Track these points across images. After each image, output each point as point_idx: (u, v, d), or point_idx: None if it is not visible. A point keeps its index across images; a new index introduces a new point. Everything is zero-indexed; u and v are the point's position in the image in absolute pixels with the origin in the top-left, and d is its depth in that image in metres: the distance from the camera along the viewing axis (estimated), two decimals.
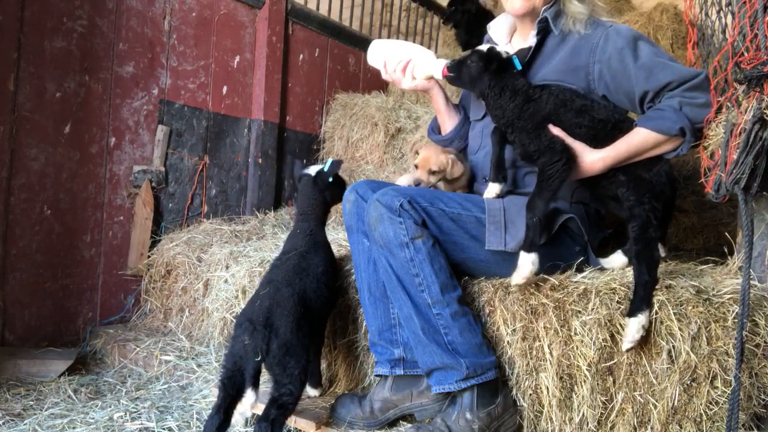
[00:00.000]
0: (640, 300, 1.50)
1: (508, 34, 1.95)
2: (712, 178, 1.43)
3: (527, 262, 1.55)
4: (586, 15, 1.73)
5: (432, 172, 1.90)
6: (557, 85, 1.71)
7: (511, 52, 1.86)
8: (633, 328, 1.49)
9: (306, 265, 1.79)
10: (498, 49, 1.71)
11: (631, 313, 1.50)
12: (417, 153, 1.98)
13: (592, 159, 1.62)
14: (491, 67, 1.67)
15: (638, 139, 1.59)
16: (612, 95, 1.71)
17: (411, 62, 1.91)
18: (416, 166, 1.94)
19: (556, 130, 1.64)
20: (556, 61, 1.75)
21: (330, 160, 2.02)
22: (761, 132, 1.30)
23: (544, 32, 1.78)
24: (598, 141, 1.63)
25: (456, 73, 1.74)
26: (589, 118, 1.63)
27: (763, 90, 1.33)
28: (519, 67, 1.69)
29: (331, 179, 2.00)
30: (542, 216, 1.57)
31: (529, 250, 1.56)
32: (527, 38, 1.83)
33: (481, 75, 1.68)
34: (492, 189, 1.73)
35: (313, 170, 2.02)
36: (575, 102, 1.65)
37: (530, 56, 1.79)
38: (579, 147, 1.63)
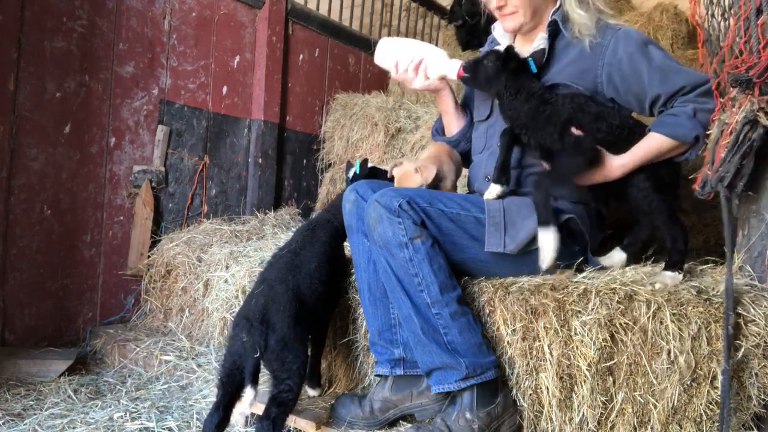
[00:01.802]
0: (675, 262, 1.59)
1: (511, 35, 1.95)
2: (699, 175, 1.45)
3: (548, 239, 1.57)
4: (590, 23, 1.73)
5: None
6: (569, 89, 1.72)
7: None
8: (672, 280, 1.57)
9: (299, 262, 1.79)
10: (514, 48, 1.72)
11: (672, 268, 1.58)
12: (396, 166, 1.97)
13: (613, 165, 1.64)
14: (509, 67, 1.68)
15: (655, 145, 1.62)
16: (620, 97, 1.72)
17: (423, 61, 1.88)
18: None
19: (579, 132, 1.64)
20: (564, 63, 1.76)
21: (357, 162, 2.08)
22: (750, 133, 1.32)
23: (554, 34, 1.78)
24: (617, 147, 1.64)
25: (472, 74, 1.74)
26: (607, 124, 1.64)
27: (753, 93, 1.34)
28: (534, 70, 1.71)
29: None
30: (551, 193, 1.59)
31: (546, 224, 1.58)
32: (532, 40, 1.84)
33: (499, 75, 1.69)
34: (493, 190, 1.73)
35: (351, 173, 2.08)
36: (591, 107, 1.65)
37: (549, 56, 1.80)
38: (602, 153, 1.65)
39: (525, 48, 1.86)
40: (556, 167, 1.62)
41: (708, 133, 1.57)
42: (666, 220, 1.61)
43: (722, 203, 1.38)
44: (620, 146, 1.64)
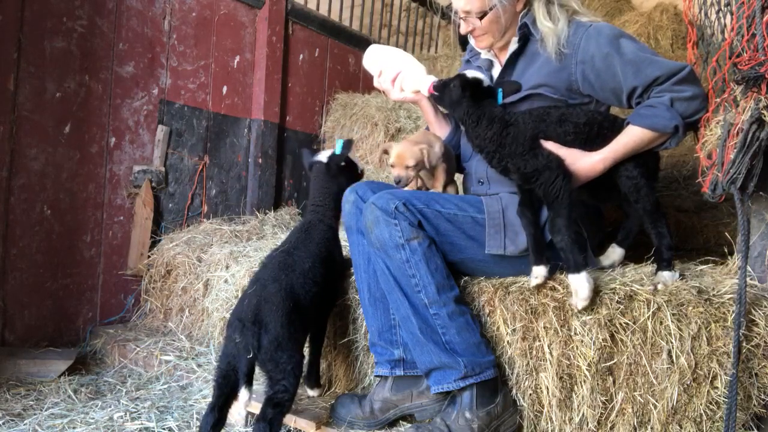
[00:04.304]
0: (668, 260, 1.62)
1: None
2: (708, 177, 1.44)
3: (582, 282, 1.53)
4: (555, 36, 1.71)
5: (408, 167, 1.84)
6: (542, 97, 1.74)
7: (494, 59, 1.90)
8: (671, 278, 1.59)
9: (292, 262, 1.77)
10: (480, 76, 1.69)
11: (668, 268, 1.62)
12: (386, 153, 1.91)
13: (593, 161, 1.64)
14: (468, 94, 1.66)
15: (635, 138, 1.62)
16: (597, 93, 1.72)
17: (400, 74, 1.89)
18: (393, 166, 1.87)
19: (548, 144, 1.64)
20: (539, 64, 1.76)
21: (340, 141, 1.97)
22: (758, 132, 1.31)
23: (525, 37, 1.79)
24: (591, 143, 1.65)
25: (440, 94, 1.73)
26: (572, 124, 1.65)
27: (760, 90, 1.33)
28: (500, 101, 1.68)
29: (342, 163, 1.97)
30: (571, 233, 1.57)
31: (577, 270, 1.54)
32: (508, 46, 1.84)
33: (461, 100, 1.67)
34: (538, 272, 1.63)
35: (324, 156, 1.99)
36: (552, 114, 1.66)
37: (514, 59, 1.81)
38: (576, 153, 1.64)
39: (502, 55, 1.87)
40: (552, 205, 1.60)
41: (688, 121, 1.59)
42: (651, 210, 1.63)
43: (737, 206, 1.36)
44: (595, 142, 1.65)
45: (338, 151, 1.97)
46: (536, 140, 1.64)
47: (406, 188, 1.90)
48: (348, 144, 1.99)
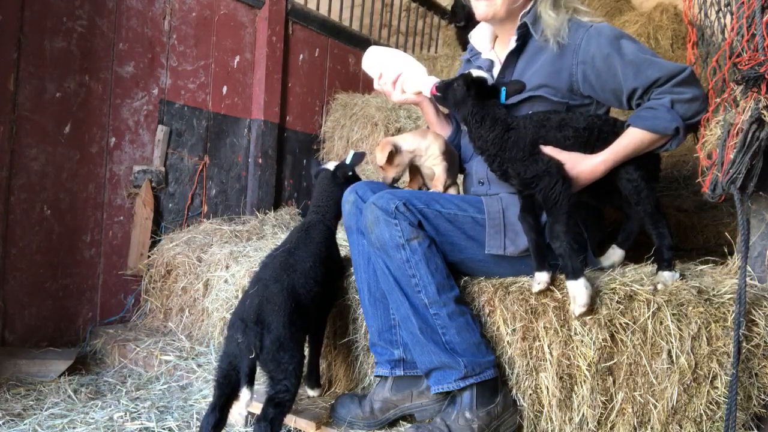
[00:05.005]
0: (668, 260, 1.62)
1: (490, 41, 1.95)
2: (708, 177, 1.44)
3: (580, 289, 1.52)
4: (559, 25, 1.71)
5: (381, 167, 1.87)
6: (544, 99, 1.73)
7: (495, 59, 1.88)
8: (671, 278, 1.59)
9: (293, 261, 1.78)
10: (485, 75, 1.69)
11: (668, 268, 1.62)
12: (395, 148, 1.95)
13: (594, 163, 1.63)
14: (472, 93, 1.65)
15: (635, 140, 1.61)
16: (597, 94, 1.71)
17: (401, 76, 1.89)
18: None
19: (548, 149, 1.64)
20: (539, 64, 1.75)
21: (352, 152, 2.03)
22: (758, 132, 1.31)
23: (524, 37, 1.78)
24: (591, 147, 1.65)
25: (443, 94, 1.73)
26: (572, 129, 1.65)
27: (760, 90, 1.33)
28: (503, 100, 1.68)
29: (350, 173, 2.01)
30: (570, 239, 1.56)
31: (575, 276, 1.53)
32: (508, 44, 1.83)
33: (465, 100, 1.66)
34: (540, 278, 1.61)
35: (331, 165, 2.05)
36: (551, 119, 1.66)
37: (513, 58, 1.80)
38: (577, 157, 1.64)
39: (503, 53, 1.86)
40: (550, 211, 1.60)
41: (689, 123, 1.58)
42: (652, 211, 1.63)
43: (737, 206, 1.37)
44: (594, 146, 1.65)
45: (348, 160, 2.02)
46: (536, 145, 1.64)
47: (405, 188, 1.91)
48: (360, 156, 2.04)
